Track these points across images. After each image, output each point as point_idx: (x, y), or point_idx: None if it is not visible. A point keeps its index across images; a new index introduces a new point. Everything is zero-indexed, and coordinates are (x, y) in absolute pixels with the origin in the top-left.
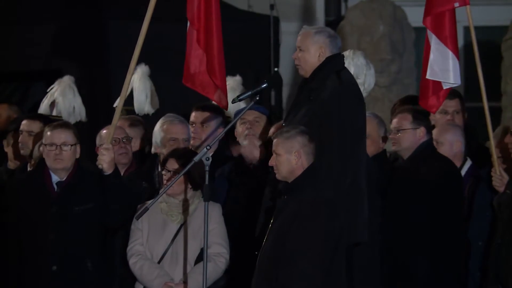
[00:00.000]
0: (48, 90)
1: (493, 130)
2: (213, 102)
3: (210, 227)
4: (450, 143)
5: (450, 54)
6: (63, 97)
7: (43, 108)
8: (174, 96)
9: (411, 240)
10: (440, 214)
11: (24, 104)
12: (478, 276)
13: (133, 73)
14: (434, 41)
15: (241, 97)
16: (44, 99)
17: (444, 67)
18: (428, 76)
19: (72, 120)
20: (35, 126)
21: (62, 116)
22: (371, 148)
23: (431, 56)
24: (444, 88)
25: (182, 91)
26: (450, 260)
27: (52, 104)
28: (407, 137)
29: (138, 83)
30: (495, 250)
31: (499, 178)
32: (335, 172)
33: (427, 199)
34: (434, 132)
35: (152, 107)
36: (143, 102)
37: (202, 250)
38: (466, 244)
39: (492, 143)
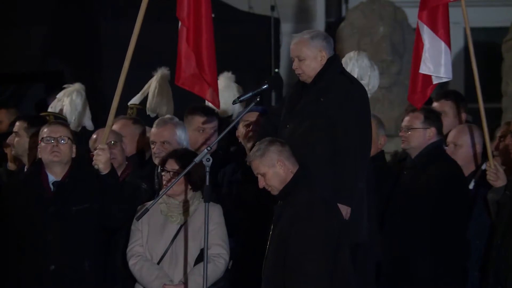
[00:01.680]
0: (57, 95)
1: (492, 130)
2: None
3: (210, 228)
4: (469, 145)
5: (443, 46)
6: (70, 102)
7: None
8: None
9: (412, 240)
10: (443, 217)
11: (22, 105)
12: (477, 276)
13: (126, 73)
14: (427, 34)
15: (241, 98)
16: (52, 104)
17: (437, 61)
18: (420, 70)
19: (76, 124)
20: (20, 126)
21: (67, 119)
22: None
23: (425, 50)
24: (434, 82)
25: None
26: (450, 260)
27: (61, 111)
28: (416, 136)
29: (155, 84)
30: (495, 251)
31: (493, 171)
32: (351, 172)
33: (431, 201)
34: (451, 134)
35: (166, 111)
36: (157, 104)
37: (202, 251)
38: (465, 245)
39: (487, 139)
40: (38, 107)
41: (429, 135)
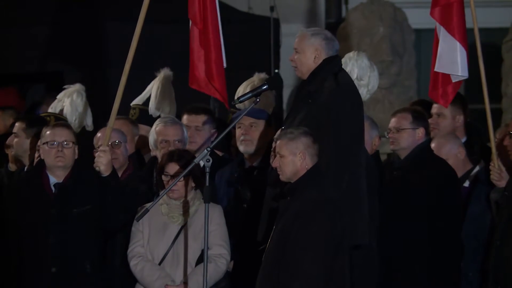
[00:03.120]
0: (57, 96)
1: (492, 131)
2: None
3: (211, 229)
4: (454, 155)
5: (458, 46)
6: (70, 102)
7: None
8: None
9: (407, 241)
10: (437, 217)
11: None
12: (471, 277)
13: (127, 75)
14: (442, 33)
15: (241, 99)
16: (52, 105)
17: (452, 60)
18: (436, 69)
19: (76, 125)
20: (18, 127)
21: (68, 120)
22: None
23: (439, 48)
24: (454, 81)
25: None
26: (445, 261)
27: (61, 112)
28: (406, 137)
29: (158, 84)
30: (494, 252)
31: (497, 171)
32: (333, 174)
33: (425, 202)
34: (434, 149)
35: (169, 111)
36: (159, 104)
37: (203, 251)
38: (460, 245)
39: (492, 138)
40: (35, 108)
41: (418, 135)
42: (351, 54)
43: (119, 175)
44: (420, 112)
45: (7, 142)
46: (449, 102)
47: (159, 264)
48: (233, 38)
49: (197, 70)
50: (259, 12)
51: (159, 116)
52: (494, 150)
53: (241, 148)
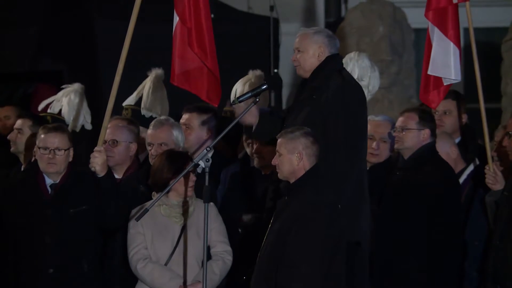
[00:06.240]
0: (55, 95)
1: (491, 130)
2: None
3: (212, 226)
4: (446, 153)
5: (452, 48)
6: (68, 102)
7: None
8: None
9: (407, 242)
10: (437, 218)
11: (20, 106)
12: (475, 277)
13: (121, 74)
14: (436, 35)
15: (241, 99)
16: (51, 104)
17: (445, 63)
18: (429, 72)
19: (74, 124)
20: (23, 123)
21: (65, 120)
22: None
23: (433, 51)
24: (445, 84)
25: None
26: (445, 262)
27: (60, 113)
28: (411, 136)
29: (149, 84)
30: (493, 251)
31: (492, 175)
32: (341, 171)
33: (425, 202)
34: None
35: (161, 110)
36: (151, 103)
37: (208, 249)
38: (462, 246)
39: (487, 141)
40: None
41: (423, 136)
42: (352, 54)
43: (123, 173)
44: (428, 113)
45: (9, 137)
46: (437, 105)
47: (165, 265)
48: (232, 38)
49: (179, 68)
50: (259, 11)
51: (151, 116)
52: (489, 153)
53: (255, 162)
